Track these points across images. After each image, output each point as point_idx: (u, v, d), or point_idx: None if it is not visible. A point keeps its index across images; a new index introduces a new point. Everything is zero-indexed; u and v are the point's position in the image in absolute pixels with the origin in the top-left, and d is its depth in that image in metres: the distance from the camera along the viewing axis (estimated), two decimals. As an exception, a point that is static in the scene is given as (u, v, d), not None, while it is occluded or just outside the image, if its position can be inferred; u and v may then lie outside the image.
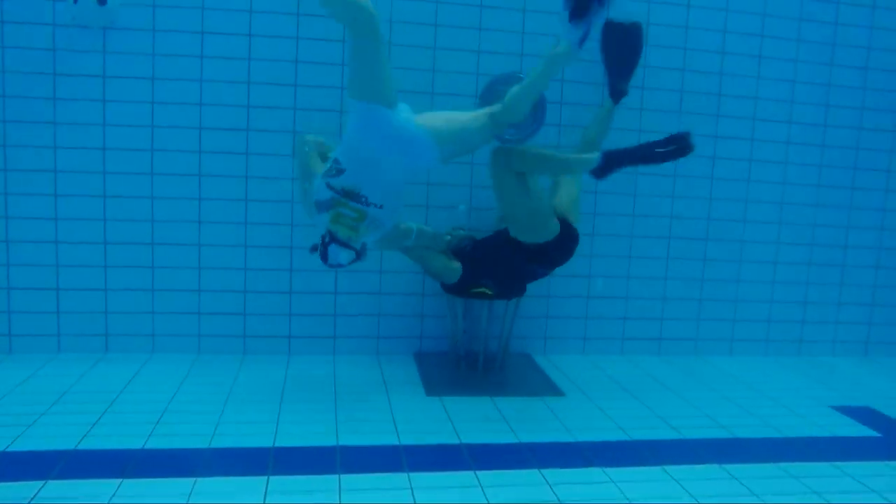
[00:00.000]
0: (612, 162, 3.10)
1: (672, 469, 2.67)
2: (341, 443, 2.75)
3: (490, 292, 3.55)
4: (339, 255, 3.09)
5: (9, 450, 2.56)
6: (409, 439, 2.81)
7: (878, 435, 3.21)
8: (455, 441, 2.82)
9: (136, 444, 2.64)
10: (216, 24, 3.62)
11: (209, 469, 2.48)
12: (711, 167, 4.21)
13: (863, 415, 3.45)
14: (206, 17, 3.60)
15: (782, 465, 2.78)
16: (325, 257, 3.11)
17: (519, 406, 3.25)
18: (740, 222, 4.31)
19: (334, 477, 2.46)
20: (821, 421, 3.34)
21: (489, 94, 3.65)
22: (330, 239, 3.09)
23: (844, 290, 4.52)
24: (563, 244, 3.39)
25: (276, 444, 2.71)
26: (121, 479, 2.35)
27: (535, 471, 2.58)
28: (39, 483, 2.30)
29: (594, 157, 3.12)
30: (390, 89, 2.92)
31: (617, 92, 3.74)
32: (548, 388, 3.53)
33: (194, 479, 2.39)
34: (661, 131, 3.30)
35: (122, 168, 3.62)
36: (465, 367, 3.74)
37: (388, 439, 2.81)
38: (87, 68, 3.55)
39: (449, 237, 3.60)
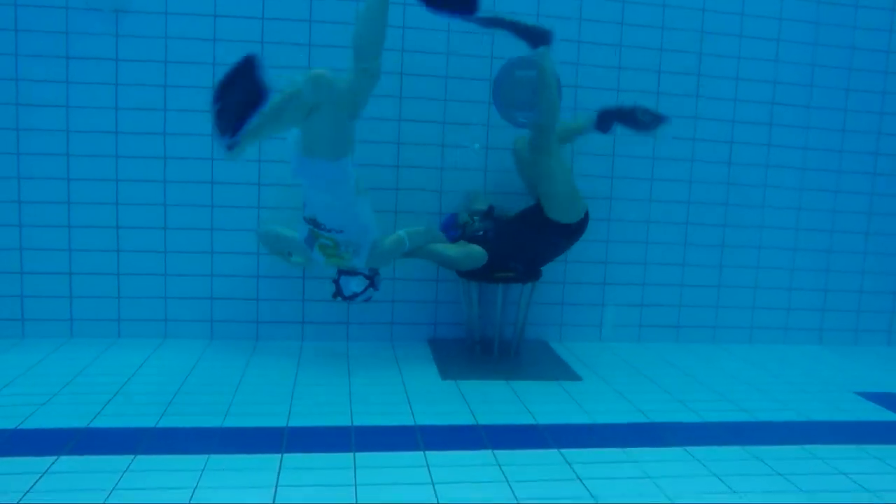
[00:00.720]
0: (610, 116, 3.60)
1: (694, 450, 2.61)
2: (356, 423, 2.70)
3: (512, 274, 3.55)
4: (350, 283, 3.34)
5: (21, 427, 2.53)
6: (424, 420, 2.76)
7: (904, 420, 3.14)
8: (472, 422, 2.77)
9: (148, 422, 2.61)
10: (228, 7, 3.59)
11: (222, 446, 2.44)
12: (729, 152, 4.14)
13: (888, 400, 3.37)
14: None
15: (807, 447, 2.71)
16: (339, 292, 3.35)
17: (536, 390, 3.19)
18: (759, 208, 4.23)
19: (349, 455, 2.41)
20: (845, 406, 3.26)
21: (505, 79, 3.62)
22: (337, 274, 3.35)
23: (866, 277, 4.44)
24: (586, 223, 3.54)
25: (290, 424, 2.66)
26: (133, 455, 2.32)
27: (555, 451, 2.53)
28: (52, 458, 2.27)
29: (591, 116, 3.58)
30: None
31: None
32: (565, 372, 3.47)
33: (207, 455, 2.35)
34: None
35: (134, 152, 3.60)
36: (480, 353, 3.69)
37: (404, 420, 2.76)
38: (100, 52, 3.53)
39: (466, 218, 3.59)
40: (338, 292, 3.37)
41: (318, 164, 3.04)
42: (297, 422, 2.69)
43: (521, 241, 3.53)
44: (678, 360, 3.82)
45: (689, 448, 2.62)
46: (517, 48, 3.73)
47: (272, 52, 3.61)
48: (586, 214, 3.52)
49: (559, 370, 3.50)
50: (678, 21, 3.99)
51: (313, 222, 3.19)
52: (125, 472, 2.20)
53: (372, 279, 3.37)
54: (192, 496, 2.07)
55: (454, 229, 3.59)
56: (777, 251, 4.29)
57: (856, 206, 4.35)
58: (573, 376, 3.41)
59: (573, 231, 3.51)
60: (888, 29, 4.24)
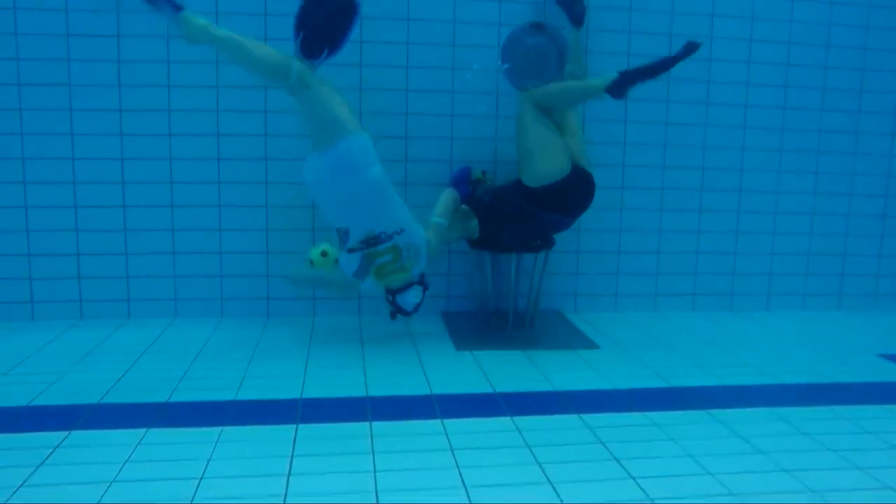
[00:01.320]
0: (629, 79, 3.11)
1: (717, 413, 2.55)
2: (371, 394, 2.66)
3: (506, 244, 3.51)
4: (408, 298, 3.21)
5: (33, 404, 2.49)
6: (441, 389, 2.71)
7: (931, 380, 3.06)
8: (489, 390, 2.72)
9: (160, 398, 2.57)
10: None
11: (235, 419, 2.39)
12: (743, 116, 4.05)
13: (912, 362, 3.30)
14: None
15: (833, 407, 2.65)
16: (401, 311, 3.23)
17: (553, 358, 3.14)
18: (775, 172, 4.14)
19: (365, 424, 2.37)
20: (869, 368, 3.20)
21: (514, 46, 3.54)
22: (392, 296, 3.21)
23: (885, 241, 4.34)
24: (577, 186, 3.32)
25: (304, 396, 2.62)
26: (146, 429, 2.28)
27: (575, 416, 2.47)
28: (63, 433, 2.23)
29: (611, 76, 3.13)
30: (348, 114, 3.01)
31: (576, 16, 3.64)
32: (581, 341, 3.41)
33: (221, 427, 2.31)
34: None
35: (139, 130, 3.54)
36: (494, 325, 3.64)
37: (420, 390, 2.71)
38: (102, 29, 3.47)
39: (479, 174, 3.56)
40: (398, 311, 3.24)
41: (333, 153, 2.94)
42: (311, 393, 2.65)
43: (507, 210, 3.41)
44: (696, 328, 3.75)
45: (711, 411, 2.56)
46: (524, 15, 3.67)
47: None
48: (581, 177, 3.30)
49: (576, 339, 3.44)
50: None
51: (368, 242, 3.04)
52: (138, 445, 2.17)
53: (423, 283, 3.27)
54: (205, 468, 2.03)
55: (466, 184, 3.51)
56: (794, 216, 4.20)
57: (875, 168, 4.25)
58: (590, 345, 3.35)
59: (538, 196, 3.26)
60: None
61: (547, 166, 3.23)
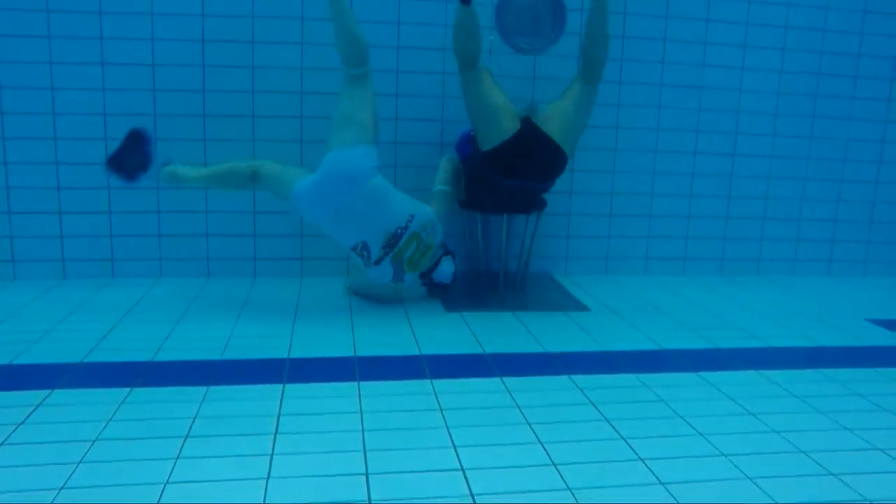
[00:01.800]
0: None
1: (708, 375, 2.54)
2: (359, 354, 2.63)
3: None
4: (442, 271, 3.23)
5: (14, 363, 2.45)
6: (430, 349, 2.69)
7: (919, 344, 3.07)
8: (478, 351, 2.70)
9: (145, 356, 2.53)
10: None
11: (221, 378, 2.36)
12: (740, 79, 3.99)
13: (901, 327, 3.31)
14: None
15: (822, 370, 2.65)
16: (439, 286, 3.27)
17: (543, 320, 3.11)
18: (769, 136, 4.10)
19: (353, 384, 2.34)
20: (857, 332, 3.20)
21: (507, 3, 3.45)
22: (427, 279, 3.24)
23: (877, 207, 4.33)
24: (519, 147, 3.20)
25: (291, 356, 2.58)
26: (130, 388, 2.24)
27: (565, 377, 2.46)
28: (45, 392, 2.19)
29: None
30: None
31: None
32: (572, 303, 3.39)
33: (206, 387, 2.27)
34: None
35: (122, 85, 3.44)
36: (484, 286, 3.60)
37: (408, 350, 2.68)
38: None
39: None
40: (438, 288, 3.28)
41: (342, 160, 2.96)
42: (298, 353, 2.61)
43: (470, 172, 3.43)
44: (687, 292, 3.74)
45: (702, 373, 2.55)
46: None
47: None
48: (509, 141, 3.19)
49: (566, 301, 3.42)
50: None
51: (390, 243, 3.05)
52: (122, 403, 2.13)
53: (448, 251, 3.29)
54: (190, 426, 2.00)
55: (469, 145, 3.44)
56: (786, 181, 4.17)
57: (868, 133, 4.21)
58: (581, 307, 3.33)
59: (488, 158, 3.23)
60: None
61: (489, 132, 3.21)
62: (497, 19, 3.51)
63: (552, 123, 3.24)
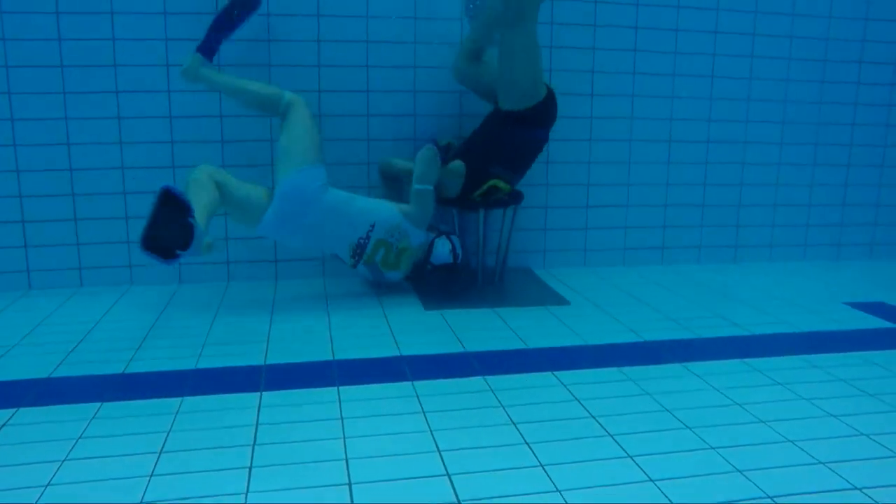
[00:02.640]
0: None
1: (692, 365, 2.52)
2: (337, 357, 2.56)
3: (505, 186, 3.35)
4: (438, 253, 3.24)
5: (-24, 381, 2.35)
6: (410, 350, 2.63)
7: (897, 326, 3.08)
8: (460, 350, 2.65)
9: (115, 369, 2.44)
10: None
11: (196, 388, 2.28)
12: (712, 66, 3.98)
13: (878, 309, 3.33)
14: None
15: (805, 356, 2.64)
16: (447, 267, 3.24)
17: (523, 315, 3.08)
18: (742, 122, 4.10)
19: (333, 389, 2.28)
20: (836, 316, 3.20)
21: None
22: (428, 265, 3.25)
23: (849, 190, 4.36)
24: (550, 103, 3.36)
25: (268, 362, 2.51)
26: (100, 403, 2.16)
27: (549, 373, 2.42)
28: (10, 411, 2.09)
29: None
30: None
31: None
32: (552, 297, 3.36)
33: (181, 398, 2.20)
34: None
35: (83, 87, 3.33)
36: (462, 283, 3.54)
37: (388, 351, 2.63)
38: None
39: (449, 139, 3.49)
40: (449, 269, 3.25)
41: (292, 189, 3.01)
42: (275, 359, 2.54)
43: (492, 141, 3.33)
44: (666, 281, 3.73)
45: (686, 364, 2.53)
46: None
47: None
48: (546, 99, 3.29)
49: (546, 295, 3.39)
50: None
51: (356, 253, 3.16)
52: (91, 420, 2.05)
53: (442, 233, 3.28)
54: (165, 441, 1.92)
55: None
56: (761, 167, 4.18)
57: (839, 116, 4.23)
58: (561, 301, 3.30)
59: (540, 111, 3.29)
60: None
61: (532, 94, 3.25)
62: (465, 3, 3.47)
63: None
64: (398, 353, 2.60)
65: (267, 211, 3.02)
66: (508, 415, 2.10)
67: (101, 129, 3.37)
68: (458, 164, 3.29)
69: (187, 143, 3.45)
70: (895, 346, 2.81)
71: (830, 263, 4.29)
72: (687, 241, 4.14)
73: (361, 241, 3.13)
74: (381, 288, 3.41)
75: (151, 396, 2.22)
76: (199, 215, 2.74)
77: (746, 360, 2.59)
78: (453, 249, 3.23)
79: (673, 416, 2.12)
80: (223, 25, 3.16)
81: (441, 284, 3.29)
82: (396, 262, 3.20)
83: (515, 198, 3.48)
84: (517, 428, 2.01)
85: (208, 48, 3.17)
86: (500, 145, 3.31)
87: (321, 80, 3.51)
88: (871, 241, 4.46)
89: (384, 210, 3.17)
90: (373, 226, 3.12)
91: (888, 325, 3.10)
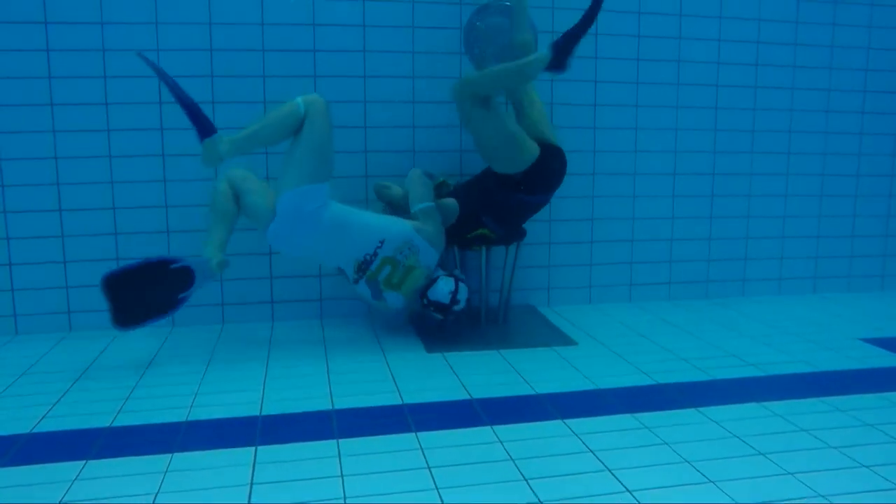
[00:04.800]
0: (563, 49, 2.97)
1: (708, 410, 2.40)
2: (337, 406, 2.43)
3: (491, 235, 3.24)
4: (438, 293, 3.06)
5: (-47, 438, 2.21)
6: (412, 398, 2.50)
7: (918, 364, 2.97)
8: (465, 397, 2.52)
9: (102, 422, 2.31)
10: None
11: (187, 443, 2.15)
12: (715, 96, 3.91)
13: (894, 345, 3.21)
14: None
15: (826, 399, 2.52)
16: (444, 308, 3.08)
17: (530, 357, 2.96)
18: (748, 153, 4.02)
19: (332, 442, 2.15)
20: (854, 353, 3.09)
21: (477, 26, 3.35)
22: (425, 300, 3.09)
23: (858, 221, 4.27)
24: (549, 164, 3.17)
25: (264, 413, 2.39)
26: (84, 461, 2.03)
27: (559, 422, 2.29)
28: (-13, 472, 1.96)
29: (543, 53, 2.97)
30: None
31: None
32: (558, 337, 3.24)
33: (170, 454, 2.07)
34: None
35: (74, 125, 3.25)
36: (465, 322, 3.43)
37: (389, 399, 2.50)
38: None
39: (440, 178, 3.33)
40: (443, 310, 3.07)
41: (289, 208, 2.92)
42: (271, 409, 2.42)
43: (483, 198, 3.22)
44: (674, 318, 3.61)
45: (702, 409, 2.41)
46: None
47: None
48: (551, 153, 3.17)
49: (552, 335, 3.27)
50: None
51: (361, 269, 3.04)
52: (74, 481, 1.91)
53: (454, 276, 3.11)
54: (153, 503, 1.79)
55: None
56: (768, 199, 4.09)
57: (846, 147, 4.17)
58: (568, 341, 3.18)
59: (533, 176, 3.13)
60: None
61: (517, 159, 3.10)
62: (467, 49, 3.40)
63: (549, 129, 3.24)
64: (400, 402, 2.47)
65: (270, 224, 2.95)
66: (519, 469, 1.97)
67: (91, 168, 3.27)
68: (451, 203, 3.18)
69: (177, 181, 3.35)
70: (918, 386, 2.69)
71: (840, 296, 4.18)
72: (694, 276, 4.04)
73: (368, 257, 3.00)
74: (376, 316, 3.26)
75: (139, 453, 2.08)
76: (215, 242, 2.86)
77: (765, 403, 2.47)
78: (454, 293, 3.06)
79: (693, 467, 1.99)
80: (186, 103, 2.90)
81: (432, 321, 3.16)
82: (400, 282, 3.04)
83: (516, 235, 3.38)
84: (529, 485, 1.88)
85: (203, 129, 2.91)
86: (493, 203, 3.19)
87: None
88: (881, 272, 4.36)
89: (395, 226, 3.03)
90: (382, 242, 2.99)
91: (908, 362, 2.98)
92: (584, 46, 3.55)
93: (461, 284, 3.09)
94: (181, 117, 2.89)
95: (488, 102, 3.05)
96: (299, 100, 2.93)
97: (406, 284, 3.06)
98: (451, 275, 3.12)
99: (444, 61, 3.53)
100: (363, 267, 3.03)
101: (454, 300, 3.06)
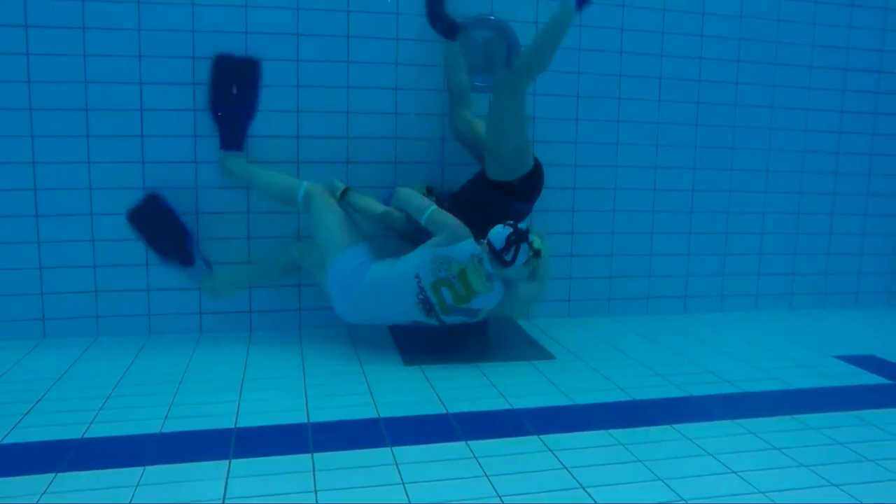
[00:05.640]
0: None
1: (683, 427, 2.42)
2: (312, 420, 2.42)
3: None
4: (496, 236, 2.91)
5: (-80, 448, 2.18)
6: (388, 412, 2.50)
7: (890, 381, 3.01)
8: (441, 411, 2.52)
9: (74, 433, 2.28)
10: None
11: (160, 456, 2.13)
12: (696, 114, 3.96)
13: (868, 363, 3.26)
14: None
15: (799, 416, 2.55)
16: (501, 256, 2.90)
17: (507, 372, 2.96)
18: (727, 171, 4.07)
19: (306, 456, 2.14)
20: (827, 371, 3.13)
21: (465, 40, 3.39)
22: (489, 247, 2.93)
23: (834, 239, 4.33)
24: (540, 172, 3.30)
25: (239, 425, 2.37)
26: (54, 474, 2.00)
27: (535, 437, 2.30)
28: (-47, 485, 1.93)
29: (566, 4, 3.01)
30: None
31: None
32: (536, 351, 3.25)
33: (142, 467, 2.05)
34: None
35: (53, 131, 3.22)
36: (444, 335, 3.42)
37: (366, 413, 2.49)
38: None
39: (422, 190, 3.32)
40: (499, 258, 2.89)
41: (336, 281, 3.04)
42: (246, 422, 2.40)
43: (474, 206, 3.20)
44: (652, 333, 3.64)
45: (677, 426, 2.43)
46: (469, 7, 3.50)
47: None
48: (538, 168, 3.25)
49: (531, 349, 3.28)
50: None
51: (426, 308, 2.96)
52: (42, 495, 1.89)
53: (519, 232, 2.91)
54: (123, 518, 1.77)
55: None
56: (746, 216, 4.14)
57: (822, 166, 4.23)
58: (546, 355, 3.19)
59: (524, 185, 3.20)
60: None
61: (517, 166, 3.17)
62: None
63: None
64: (376, 415, 2.47)
65: (334, 303, 3.10)
66: (494, 486, 1.97)
67: (69, 173, 3.25)
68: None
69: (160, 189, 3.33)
70: (890, 405, 2.73)
71: (817, 312, 4.23)
72: (672, 291, 4.07)
73: (420, 297, 2.93)
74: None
75: (111, 466, 2.06)
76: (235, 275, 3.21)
77: (739, 420, 2.49)
78: (511, 240, 2.88)
79: (666, 485, 2.01)
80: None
81: (428, 327, 3.10)
82: (468, 290, 2.89)
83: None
84: (502, 501, 1.89)
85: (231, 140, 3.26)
86: (479, 211, 3.16)
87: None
88: (856, 289, 4.42)
89: (413, 257, 2.96)
90: (417, 277, 2.91)
91: (880, 380, 3.02)
92: (568, 61, 3.62)
93: (522, 245, 2.91)
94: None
95: (523, 94, 3.11)
96: (301, 188, 3.13)
97: (474, 285, 2.89)
98: (515, 240, 2.90)
99: (428, 73, 3.54)
100: (428, 307, 2.95)
101: (509, 247, 2.88)
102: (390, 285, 2.95)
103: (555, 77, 3.61)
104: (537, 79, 3.33)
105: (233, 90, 3.27)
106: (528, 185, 3.22)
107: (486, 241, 2.93)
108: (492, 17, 3.54)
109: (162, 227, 3.21)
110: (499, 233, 2.89)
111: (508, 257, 2.88)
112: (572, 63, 3.69)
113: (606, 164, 3.85)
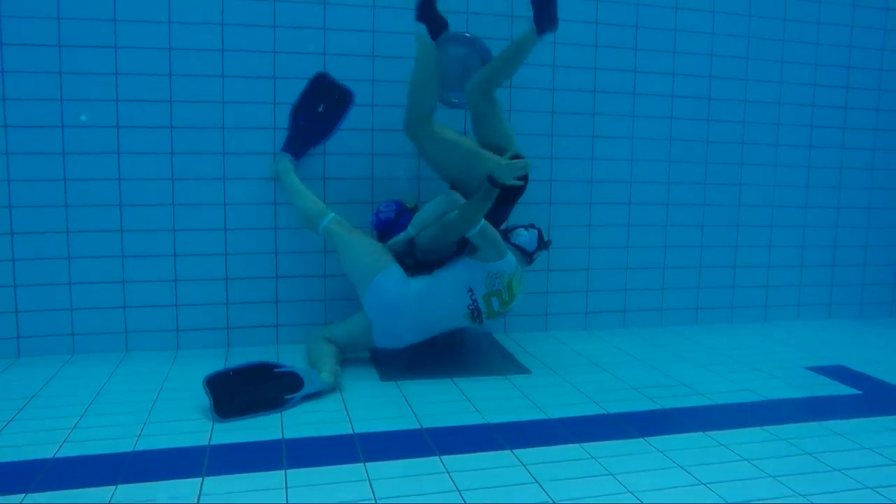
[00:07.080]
0: (542, 5, 3.12)
1: (655, 440, 2.45)
2: (287, 436, 2.43)
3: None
4: (522, 240, 3.22)
5: None
6: (363, 427, 2.51)
7: (858, 392, 3.07)
8: (416, 426, 2.54)
9: (45, 453, 2.27)
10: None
11: (131, 475, 2.12)
12: (669, 128, 4.02)
13: (838, 373, 3.31)
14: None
15: (769, 428, 2.59)
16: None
17: (483, 386, 2.98)
18: (701, 185, 4.13)
19: (279, 473, 2.14)
20: (798, 381, 3.18)
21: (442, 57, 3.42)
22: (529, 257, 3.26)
23: (806, 251, 4.40)
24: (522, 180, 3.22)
25: (212, 442, 2.37)
26: (24, 494, 1.99)
27: (508, 452, 2.32)
28: (-78, 506, 1.92)
29: (528, 28, 3.13)
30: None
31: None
32: (512, 366, 3.27)
33: (114, 486, 2.04)
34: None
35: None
36: (422, 349, 3.44)
37: (340, 429, 2.50)
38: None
39: (415, 201, 3.37)
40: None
41: (374, 301, 3.07)
42: (220, 438, 2.40)
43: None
44: (628, 346, 3.67)
45: (649, 439, 2.46)
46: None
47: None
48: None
49: (506, 363, 3.30)
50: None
51: (474, 316, 3.05)
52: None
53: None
54: (93, 537, 1.77)
55: (405, 214, 3.25)
56: (721, 229, 4.20)
57: (795, 180, 4.31)
58: (522, 369, 3.21)
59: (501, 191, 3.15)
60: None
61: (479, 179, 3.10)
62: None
63: (509, 143, 3.27)
64: (351, 431, 2.48)
65: (373, 331, 3.08)
66: (464, 499, 1.99)
67: (50, 190, 3.24)
68: (456, 196, 3.15)
69: (136, 206, 3.34)
70: (857, 415, 2.77)
71: (790, 324, 4.29)
72: (648, 304, 4.11)
73: (471, 308, 3.02)
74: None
75: (81, 485, 2.06)
76: (328, 369, 2.90)
77: (710, 433, 2.53)
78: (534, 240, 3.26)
79: (636, 497, 2.03)
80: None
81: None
82: (511, 295, 3.07)
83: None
84: (474, 516, 1.90)
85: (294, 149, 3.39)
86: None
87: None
88: (829, 301, 4.49)
89: (462, 270, 3.02)
90: (470, 290, 3.00)
91: (849, 391, 3.08)
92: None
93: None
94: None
95: (494, 96, 3.24)
96: (323, 221, 3.19)
97: (516, 290, 3.09)
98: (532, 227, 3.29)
99: (404, 90, 3.57)
100: (476, 315, 3.04)
101: (540, 245, 3.25)
102: (438, 298, 3.02)
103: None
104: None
105: (319, 107, 3.38)
106: (511, 189, 3.16)
107: (516, 246, 3.17)
108: (467, 34, 3.59)
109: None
110: (527, 237, 3.23)
111: (537, 254, 3.24)
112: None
113: (582, 179, 3.90)
